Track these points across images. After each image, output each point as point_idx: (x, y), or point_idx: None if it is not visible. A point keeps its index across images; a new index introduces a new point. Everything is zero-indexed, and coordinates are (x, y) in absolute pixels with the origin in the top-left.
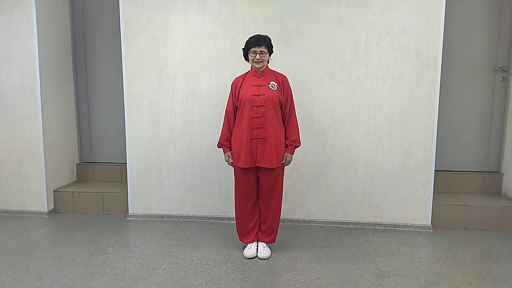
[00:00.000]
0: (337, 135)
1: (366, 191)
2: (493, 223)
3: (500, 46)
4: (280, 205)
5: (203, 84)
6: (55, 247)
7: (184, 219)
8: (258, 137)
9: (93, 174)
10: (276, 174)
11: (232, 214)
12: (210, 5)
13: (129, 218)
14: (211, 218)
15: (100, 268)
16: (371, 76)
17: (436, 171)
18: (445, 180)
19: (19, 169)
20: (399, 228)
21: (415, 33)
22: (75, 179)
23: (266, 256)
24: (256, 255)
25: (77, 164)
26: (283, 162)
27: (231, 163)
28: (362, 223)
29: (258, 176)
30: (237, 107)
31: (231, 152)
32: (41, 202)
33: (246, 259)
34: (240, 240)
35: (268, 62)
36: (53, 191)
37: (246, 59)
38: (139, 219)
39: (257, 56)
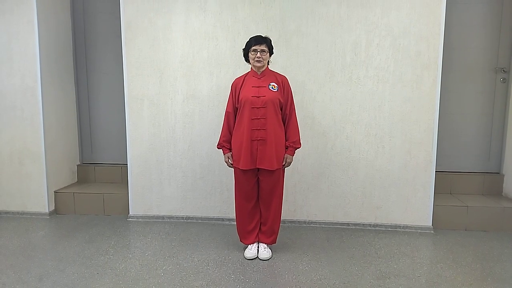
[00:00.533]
0: (338, 136)
1: (367, 192)
2: (494, 224)
3: (500, 47)
4: (280, 206)
5: (204, 85)
6: (56, 248)
7: (185, 220)
8: (258, 138)
9: (94, 175)
10: (276, 175)
11: (233, 215)
12: (211, 6)
13: (130, 219)
14: (212, 219)
15: (101, 269)
16: (371, 77)
17: (437, 172)
18: (446, 181)
19: (20, 170)
20: (400, 229)
21: (415, 34)
22: (75, 180)
23: (267, 257)
24: (257, 256)
25: (78, 165)
26: (283, 163)
27: (231, 164)
28: (363, 224)
29: (258, 177)
30: (237, 109)
31: (231, 154)
32: (42, 203)
33: (246, 260)
34: (241, 241)
35: (268, 63)
36: (54, 192)
37: (246, 59)
38: (140, 220)
39: (258, 55)
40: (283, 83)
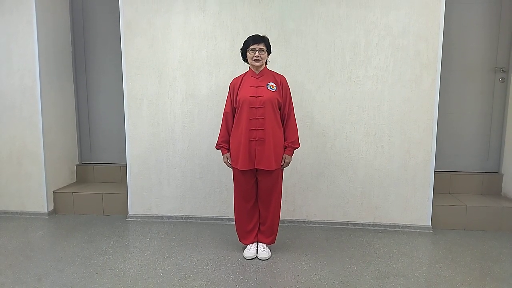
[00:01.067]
0: (337, 135)
1: (366, 192)
2: (493, 223)
3: (499, 46)
4: (279, 206)
5: (203, 84)
6: (55, 248)
7: (184, 220)
8: (256, 139)
9: (93, 175)
10: (275, 176)
11: (232, 214)
12: (210, 6)
13: (129, 219)
14: (211, 219)
15: (100, 269)
16: (371, 76)
17: (436, 172)
18: (445, 180)
19: (19, 170)
20: (399, 229)
21: (415, 33)
22: (75, 180)
23: (266, 257)
24: (256, 256)
25: (77, 165)
26: (282, 163)
27: (230, 164)
28: (362, 224)
29: (257, 177)
30: (235, 109)
31: (230, 154)
32: (41, 203)
33: (246, 260)
34: (240, 241)
35: (266, 63)
36: (53, 192)
37: (244, 59)
38: (139, 220)
39: (256, 54)
40: (281, 83)
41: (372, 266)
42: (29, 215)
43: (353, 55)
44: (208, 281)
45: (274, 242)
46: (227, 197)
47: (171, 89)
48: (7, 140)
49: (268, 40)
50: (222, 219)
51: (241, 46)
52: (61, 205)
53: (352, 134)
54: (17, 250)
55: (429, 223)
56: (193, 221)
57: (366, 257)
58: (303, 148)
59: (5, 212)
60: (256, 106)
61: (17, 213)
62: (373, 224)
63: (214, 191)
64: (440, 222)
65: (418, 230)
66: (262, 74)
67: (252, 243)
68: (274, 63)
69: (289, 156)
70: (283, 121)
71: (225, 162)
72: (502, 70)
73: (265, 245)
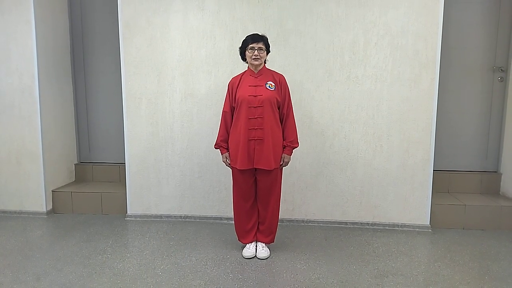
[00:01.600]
0: (336, 135)
1: (365, 191)
2: (492, 222)
3: (498, 46)
4: (278, 205)
5: (202, 84)
6: (54, 248)
7: (183, 219)
8: (255, 138)
9: (92, 174)
10: (274, 175)
11: (231, 214)
12: (208, 5)
13: (128, 218)
14: (210, 218)
15: (98, 269)
16: (369, 76)
17: (434, 171)
18: (443, 180)
19: (18, 170)
20: (397, 228)
21: (413, 33)
22: (73, 179)
23: (265, 256)
24: (255, 255)
25: (75, 164)
26: (280, 163)
27: (229, 164)
28: (361, 223)
29: (256, 177)
30: (234, 108)
31: (229, 153)
32: (39, 203)
33: (245, 259)
34: (239, 240)
35: (265, 62)
36: (52, 191)
37: (243, 58)
38: (138, 219)
39: (255, 53)
40: (280, 82)
41: (371, 265)
42: (27, 215)
43: (352, 54)
44: (207, 280)
45: (273, 242)
46: (226, 197)
47: (170, 88)
48: (6, 140)
49: (267, 39)
50: (221, 219)
51: (240, 46)
52: (59, 205)
53: (351, 134)
54: (15, 250)
55: (428, 222)
56: (192, 220)
57: (365, 256)
58: (302, 148)
59: (4, 212)
60: (255, 106)
61: (15, 212)
62: (372, 223)
63: (213, 190)
64: (438, 221)
65: (417, 229)
66: (261, 73)
67: (251, 242)
68: (273, 63)
69: (288, 156)
70: (282, 120)
71: (224, 162)
72: (501, 70)
73: (264, 244)
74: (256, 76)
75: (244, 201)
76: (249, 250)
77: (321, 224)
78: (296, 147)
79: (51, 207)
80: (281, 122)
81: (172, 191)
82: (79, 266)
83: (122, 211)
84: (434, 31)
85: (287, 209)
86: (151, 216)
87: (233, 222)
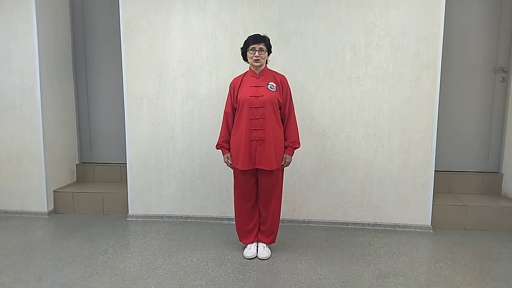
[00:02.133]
0: (337, 135)
1: (366, 192)
2: (493, 223)
3: (499, 46)
4: (279, 206)
5: (203, 84)
6: (55, 248)
7: (184, 220)
8: (257, 138)
9: (93, 174)
10: (275, 175)
11: (232, 214)
12: (209, 6)
13: (129, 219)
14: (211, 218)
15: (100, 269)
16: (371, 76)
17: (436, 172)
18: (445, 180)
19: (19, 170)
20: (399, 229)
21: (414, 33)
22: (75, 179)
23: (266, 257)
24: (256, 256)
25: (77, 165)
26: (282, 163)
27: (230, 164)
28: (362, 224)
29: (257, 177)
30: (235, 108)
31: (230, 154)
32: (41, 203)
33: (246, 260)
34: (240, 241)
35: (267, 63)
36: (53, 191)
37: (245, 59)
38: (139, 219)
39: (256, 54)
40: (282, 83)
41: (372, 265)
42: (29, 215)
43: (353, 55)
44: (208, 280)
45: (274, 242)
46: (227, 197)
47: (171, 89)
48: (7, 140)
49: (269, 40)
50: (222, 219)
51: (242, 46)
52: (61, 205)
53: (352, 134)
54: (17, 250)
55: (429, 223)
56: (193, 220)
57: (366, 257)
58: (303, 148)
59: (5, 212)
60: (256, 106)
61: (17, 212)
62: (373, 224)
63: (214, 191)
64: (440, 222)
65: (418, 230)
66: (262, 73)
67: (252, 243)
68: (274, 63)
69: (290, 156)
70: (284, 120)
71: (225, 162)
72: (502, 70)
73: (265, 245)
74: (257, 76)
75: (245, 201)
76: (250, 250)
77: (322, 225)
78: (298, 148)
79: (52, 207)
80: (283, 123)
81: (173, 192)
82: (80, 266)
83: (123, 211)
84: (435, 31)
85: (288, 210)
86: (152, 216)
87: (234, 222)
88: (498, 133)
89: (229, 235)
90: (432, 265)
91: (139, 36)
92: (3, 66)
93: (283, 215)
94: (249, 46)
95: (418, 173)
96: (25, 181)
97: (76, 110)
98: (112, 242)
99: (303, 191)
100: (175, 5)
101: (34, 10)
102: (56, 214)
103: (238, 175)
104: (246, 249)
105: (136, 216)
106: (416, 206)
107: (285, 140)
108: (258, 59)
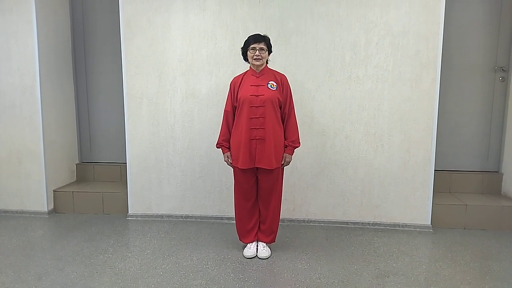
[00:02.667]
0: (337, 135)
1: (366, 191)
2: (493, 222)
3: (499, 46)
4: (279, 205)
5: (203, 84)
6: (55, 247)
7: (184, 219)
8: (257, 137)
9: (93, 174)
10: (275, 174)
11: (232, 214)
12: (209, 5)
13: (129, 218)
14: (211, 218)
15: (100, 268)
16: (371, 76)
17: (435, 171)
18: (444, 179)
19: (19, 169)
20: (398, 228)
21: (414, 33)
22: (75, 179)
23: (266, 256)
24: (256, 255)
25: (77, 164)
26: (282, 162)
27: (230, 163)
28: (362, 223)
29: (257, 176)
30: (236, 107)
31: (230, 153)
32: (41, 202)
33: (246, 259)
34: (240, 240)
35: (267, 62)
36: (53, 191)
37: (245, 58)
38: (139, 219)
39: (257, 53)
40: (282, 82)
41: (372, 265)
42: (29, 214)
43: (353, 54)
44: (208, 280)
45: (274, 241)
46: (227, 196)
47: (171, 88)
48: (7, 139)
49: (269, 39)
50: (222, 218)
51: (242, 46)
52: (61, 204)
53: (352, 133)
54: (17, 249)
55: (429, 222)
56: (193, 220)
57: (366, 256)
58: (303, 148)
59: (5, 211)
60: (256, 105)
61: (17, 212)
62: (373, 223)
63: (214, 190)
64: (440, 221)
65: (418, 229)
66: (262, 73)
67: (252, 242)
68: (274, 63)
69: (290, 155)
70: (284, 120)
71: (225, 161)
72: (502, 70)
73: (265, 244)
74: (258, 76)
75: (246, 200)
76: (250, 249)
77: (322, 224)
78: (298, 147)
79: (52, 207)
80: (283, 122)
81: (173, 191)
82: (80, 265)
83: (123, 210)
84: (435, 31)
85: (288, 209)
86: (152, 215)
87: (234, 221)
88: (498, 132)
89: (229, 235)
90: (432, 264)
91: (139, 35)
92: (3, 66)
93: (283, 214)
94: (249, 46)
95: (418, 172)
96: (25, 181)
97: (76, 110)
98: (112, 242)
99: (303, 191)
100: (175, 5)
101: (34, 10)
102: (56, 214)
103: (238, 174)
104: (246, 249)
105: (136, 216)
106: (416, 206)
107: (285, 139)
108: (258, 58)
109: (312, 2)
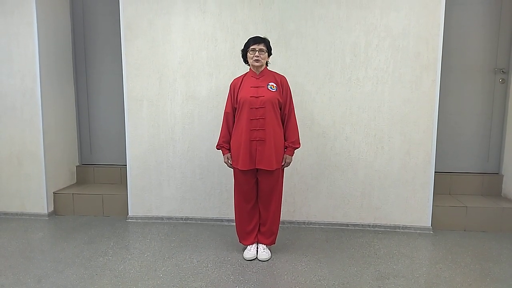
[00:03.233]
0: (337, 137)
1: (366, 193)
2: (493, 224)
3: (499, 47)
4: (279, 207)
5: (203, 86)
6: (55, 249)
7: (184, 221)
8: (257, 139)
9: (93, 176)
10: (275, 176)
11: (232, 215)
12: (210, 7)
13: (129, 220)
14: (211, 220)
15: (100, 270)
16: (371, 78)
17: (436, 173)
18: (445, 181)
19: (19, 171)
20: (399, 230)
21: (415, 35)
22: (75, 181)
23: (266, 258)
24: (256, 257)
25: (77, 166)
26: (282, 164)
27: (231, 164)
28: (362, 225)
29: (257, 178)
30: (236, 109)
31: (231, 154)
32: (41, 204)
33: (246, 261)
34: (240, 242)
35: (267, 64)
36: (53, 193)
37: (245, 60)
38: (139, 221)
39: (256, 54)
40: (282, 83)
41: (372, 267)
42: (29, 216)
43: (353, 56)
44: (208, 282)
45: (274, 243)
46: (227, 198)
47: (171, 90)
48: (7, 141)
49: (269, 41)
50: (222, 220)
51: (242, 48)
52: (61, 206)
53: (352, 135)
54: (17, 251)
55: (429, 224)
56: (193, 222)
57: (366, 258)
58: (303, 149)
59: (5, 213)
60: (256, 107)
61: (17, 214)
62: (373, 225)
63: (214, 192)
64: (440, 223)
65: (418, 231)
66: (262, 74)
67: (252, 244)
68: (274, 65)
69: (290, 156)
70: (284, 121)
71: (225, 163)
72: (502, 71)
73: (265, 246)
74: (257, 77)
75: (246, 202)
76: (250, 251)
77: (322, 226)
78: (298, 148)
79: (52, 209)
80: (283, 123)
81: (173, 193)
82: (80, 268)
83: (123, 213)
84: (435, 32)
85: (288, 211)
86: (152, 218)
87: (234, 224)
88: (498, 134)
89: (229, 237)
90: (432, 266)
91: (140, 37)
92: (4, 68)
93: (283, 216)
94: (249, 47)
95: (418, 174)
96: (25, 183)
97: (76, 112)
98: (112, 244)
99: (303, 192)
100: (175, 7)
101: (35, 12)
102: (56, 216)
103: (239, 175)
104: (246, 251)
105: (136, 218)
106: (416, 207)
107: (285, 140)
108: (258, 59)
109: (313, 4)
